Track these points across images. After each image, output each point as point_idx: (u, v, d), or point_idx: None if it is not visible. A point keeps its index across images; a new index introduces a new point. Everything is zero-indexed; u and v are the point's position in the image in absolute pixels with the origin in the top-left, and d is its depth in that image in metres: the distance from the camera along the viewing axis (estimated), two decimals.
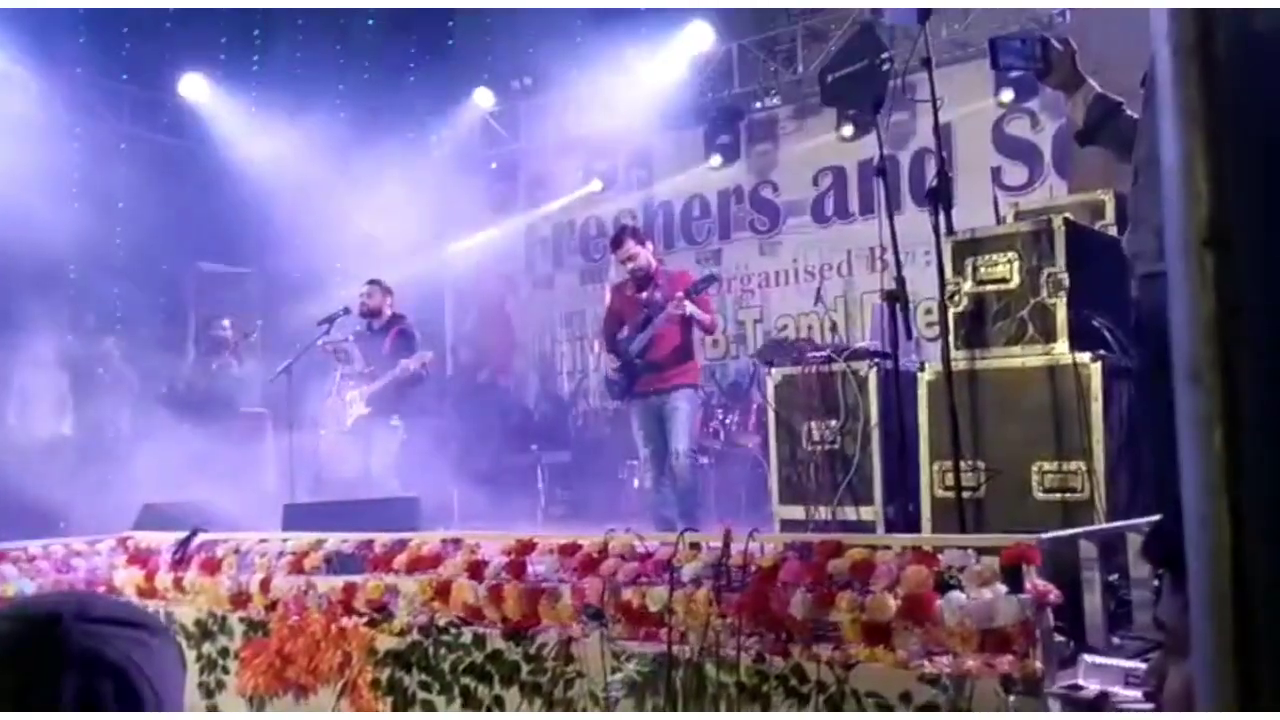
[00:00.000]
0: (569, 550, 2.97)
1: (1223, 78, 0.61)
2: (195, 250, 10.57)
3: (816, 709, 2.38)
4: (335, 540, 3.55)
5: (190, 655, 3.59)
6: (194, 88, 10.45)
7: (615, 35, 9.88)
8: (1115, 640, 2.60)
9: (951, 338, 3.95)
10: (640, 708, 2.63)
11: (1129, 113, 2.97)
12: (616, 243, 6.27)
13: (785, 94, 10.38)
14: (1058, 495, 3.84)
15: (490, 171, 12.25)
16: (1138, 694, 2.22)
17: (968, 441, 3.87)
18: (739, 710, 2.49)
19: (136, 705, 0.99)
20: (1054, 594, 2.28)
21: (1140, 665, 2.32)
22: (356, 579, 3.33)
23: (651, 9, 9.86)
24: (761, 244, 10.46)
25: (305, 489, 7.32)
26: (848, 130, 9.42)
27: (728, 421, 8.54)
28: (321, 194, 10.00)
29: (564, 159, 11.49)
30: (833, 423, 4.84)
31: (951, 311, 3.99)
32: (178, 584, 3.77)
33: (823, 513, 4.80)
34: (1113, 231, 4.39)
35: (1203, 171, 0.61)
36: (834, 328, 8.55)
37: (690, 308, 5.89)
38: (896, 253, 4.05)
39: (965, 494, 3.74)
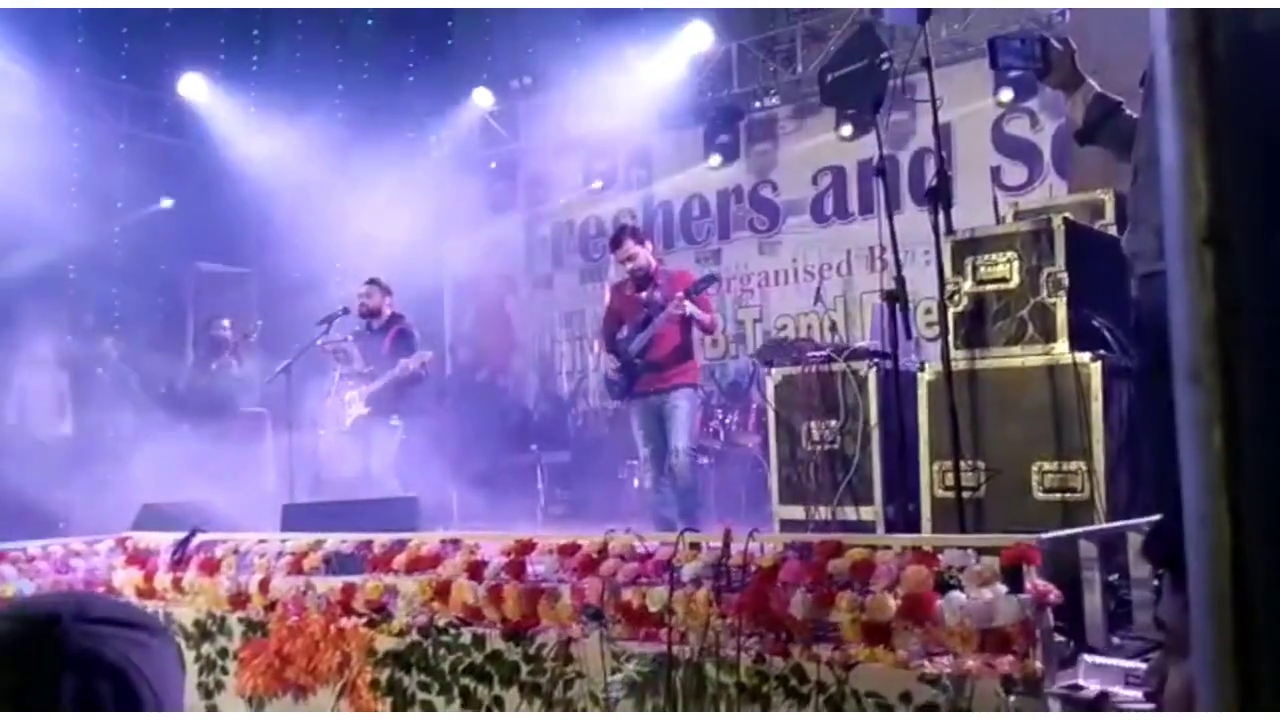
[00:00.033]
0: (568, 550, 2.97)
1: (1222, 77, 0.61)
2: (194, 250, 10.57)
3: (816, 709, 2.38)
4: (334, 541, 3.55)
5: (189, 656, 3.59)
6: (193, 87, 10.45)
7: (614, 35, 9.88)
8: (1115, 640, 2.60)
9: (951, 337, 3.94)
10: (640, 708, 2.63)
11: (1129, 112, 2.97)
12: (616, 242, 6.26)
13: (785, 94, 10.38)
14: (1058, 495, 3.83)
15: (489, 171, 12.24)
16: (1138, 694, 2.22)
17: (968, 441, 3.87)
18: (739, 710, 2.49)
19: (135, 706, 0.99)
20: (1054, 594, 2.28)
21: (1140, 665, 2.32)
22: (356, 579, 3.33)
23: (651, 9, 9.86)
24: (761, 244, 10.45)
25: (304, 489, 7.31)
26: (847, 130, 9.42)
27: (727, 421, 8.54)
28: (321, 194, 10.00)
29: (563, 159, 11.49)
30: (832, 423, 4.84)
31: (951, 311, 3.99)
32: (177, 584, 3.77)
33: (823, 513, 4.80)
34: (1112, 231, 4.39)
35: (1202, 171, 0.61)
36: (833, 327, 8.55)
37: (690, 307, 5.89)
38: (896, 252, 4.05)
39: (965, 494, 3.73)
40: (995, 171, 8.91)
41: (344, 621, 3.27)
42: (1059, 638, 2.30)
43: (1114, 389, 3.81)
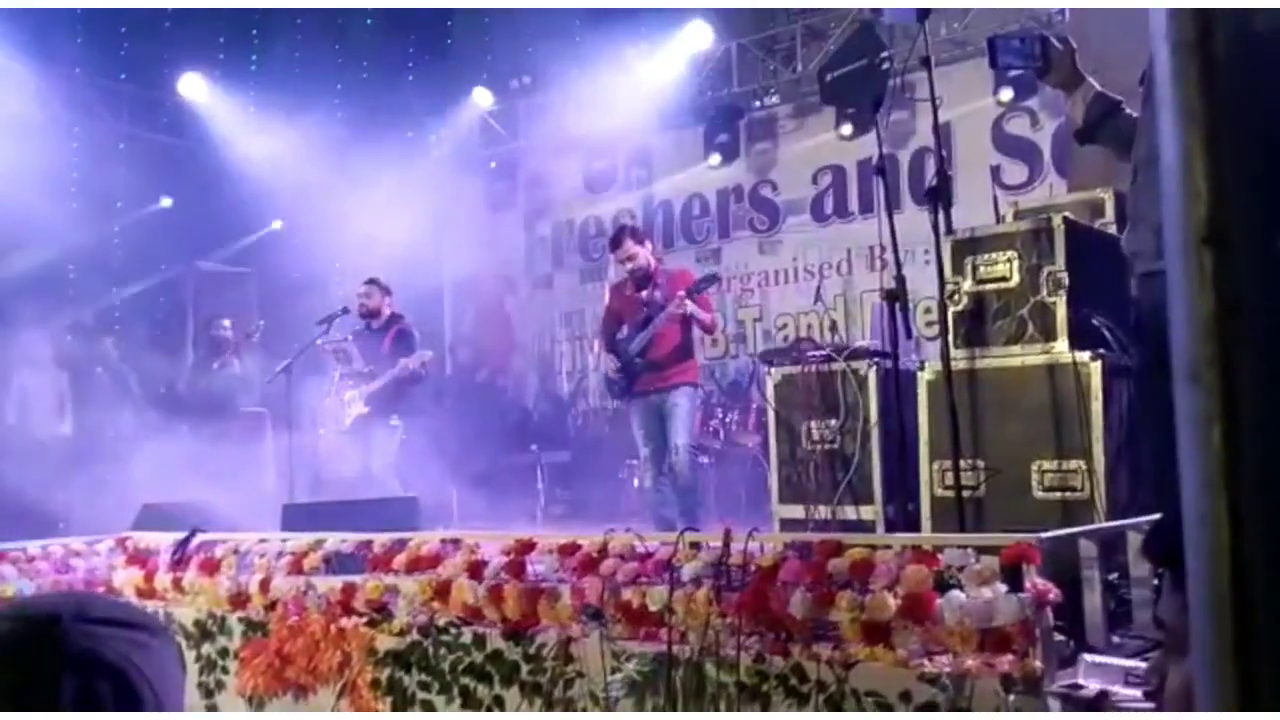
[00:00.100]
0: (568, 550, 2.97)
1: (1222, 76, 0.61)
2: (194, 250, 10.57)
3: (816, 709, 2.38)
4: (334, 540, 3.55)
5: (190, 655, 3.59)
6: (192, 87, 10.45)
7: (614, 34, 9.88)
8: (1115, 639, 2.60)
9: (951, 337, 3.94)
10: (640, 707, 2.63)
11: (1128, 111, 2.97)
12: (615, 242, 6.26)
13: (784, 93, 10.38)
14: (1057, 494, 3.83)
15: (489, 171, 12.25)
16: (1138, 693, 2.22)
17: (967, 441, 3.87)
18: (739, 710, 2.49)
19: (135, 706, 0.99)
20: (1054, 593, 2.28)
21: (1140, 664, 2.32)
22: (356, 579, 3.33)
23: (650, 8, 9.86)
24: (761, 243, 10.46)
25: (304, 489, 7.32)
26: (847, 129, 9.41)
27: (727, 421, 8.54)
28: (320, 194, 10.00)
29: (563, 158, 11.49)
30: (832, 422, 4.84)
31: (951, 310, 3.99)
32: (177, 584, 3.77)
33: (822, 512, 4.80)
34: (1112, 230, 4.39)
35: (1202, 170, 0.61)
36: (833, 327, 8.55)
37: (691, 307, 5.89)
38: (896, 252, 4.04)
39: (965, 493, 3.73)
40: (995, 170, 8.91)
41: (344, 621, 3.27)
42: (1059, 637, 2.30)
43: (1114, 388, 3.81)
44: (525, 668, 2.87)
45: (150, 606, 3.62)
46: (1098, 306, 3.92)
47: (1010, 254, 3.98)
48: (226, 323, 8.88)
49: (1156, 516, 2.55)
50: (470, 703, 2.96)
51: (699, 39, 10.12)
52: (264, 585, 3.51)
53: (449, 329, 12.51)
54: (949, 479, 3.90)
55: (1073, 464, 3.80)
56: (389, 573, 3.26)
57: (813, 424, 4.90)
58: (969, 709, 2.19)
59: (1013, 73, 7.50)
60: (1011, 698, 2.16)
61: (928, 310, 7.76)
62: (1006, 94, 8.73)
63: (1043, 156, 8.86)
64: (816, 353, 5.03)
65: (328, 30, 10.77)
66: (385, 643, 3.16)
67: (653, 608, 2.67)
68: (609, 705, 2.68)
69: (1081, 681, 2.28)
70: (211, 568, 3.71)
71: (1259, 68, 0.61)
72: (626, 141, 10.99)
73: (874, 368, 4.75)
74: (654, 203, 11.18)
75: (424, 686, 3.06)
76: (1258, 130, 0.61)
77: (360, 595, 3.28)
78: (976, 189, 7.91)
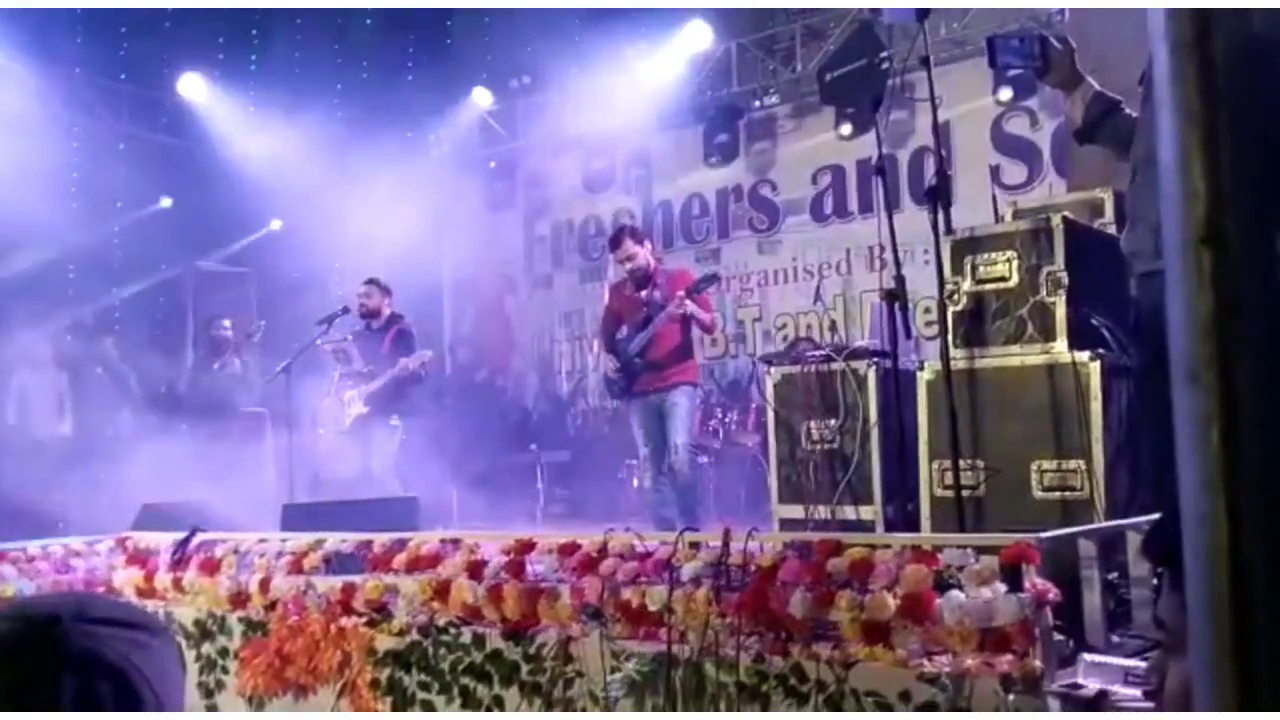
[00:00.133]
0: (568, 550, 2.97)
1: (1220, 77, 0.61)
2: (194, 250, 10.57)
3: (816, 708, 2.38)
4: (334, 540, 3.55)
5: (190, 655, 3.59)
6: (192, 87, 10.44)
7: (614, 34, 9.88)
8: (1115, 639, 2.60)
9: (950, 336, 3.94)
10: (640, 707, 2.63)
11: (1128, 111, 2.97)
12: (615, 242, 6.26)
13: (784, 93, 10.38)
14: (1057, 494, 3.84)
15: (489, 170, 12.24)
16: (1137, 692, 2.22)
17: (967, 440, 3.87)
18: (739, 710, 2.49)
19: (136, 706, 0.99)
20: (1053, 593, 2.28)
21: (1139, 664, 2.32)
22: (356, 579, 3.33)
23: (650, 8, 9.86)
24: (760, 243, 10.46)
25: (304, 489, 7.32)
26: (846, 129, 9.41)
27: (727, 420, 8.54)
28: (320, 193, 10.00)
29: (562, 158, 11.49)
30: (832, 422, 4.84)
31: (950, 310, 3.99)
32: (177, 584, 3.77)
33: (822, 512, 4.80)
34: (1112, 230, 4.39)
35: (1200, 170, 0.61)
36: (833, 326, 8.55)
37: (691, 306, 5.89)
38: (895, 251, 4.04)
39: (964, 493, 3.73)
40: (994, 170, 8.91)
41: (344, 621, 3.27)
42: (1058, 636, 2.30)
43: (1113, 388, 3.82)
44: (525, 667, 2.87)
45: (150, 606, 3.62)
46: (1097, 306, 3.92)
47: (1009, 254, 3.98)
48: (227, 323, 8.88)
49: (1156, 516, 2.56)
50: (470, 703, 2.96)
51: (698, 39, 10.12)
52: (264, 585, 3.51)
53: (448, 329, 12.51)
54: (948, 479, 3.90)
55: (1072, 464, 3.80)
56: (389, 573, 3.26)
57: (812, 424, 4.90)
58: (968, 709, 2.19)
59: (1012, 72, 7.49)
60: (1011, 697, 2.16)
61: (927, 310, 7.76)
62: (1006, 94, 8.73)
63: (1042, 156, 8.86)
64: (816, 352, 5.03)
65: (327, 30, 10.77)
66: (385, 643, 3.16)
67: (652, 607, 2.67)
68: (609, 705, 2.68)
69: (1081, 681, 2.28)
70: (211, 567, 3.71)
71: (1257, 68, 0.61)
72: (626, 141, 10.99)
73: (873, 367, 4.75)
74: (653, 202, 11.18)
75: (424, 686, 3.06)
76: (1256, 130, 0.61)
77: (360, 595, 3.28)
78: (976, 189, 7.91)
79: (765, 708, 2.46)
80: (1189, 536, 0.61)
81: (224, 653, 3.58)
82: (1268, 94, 0.61)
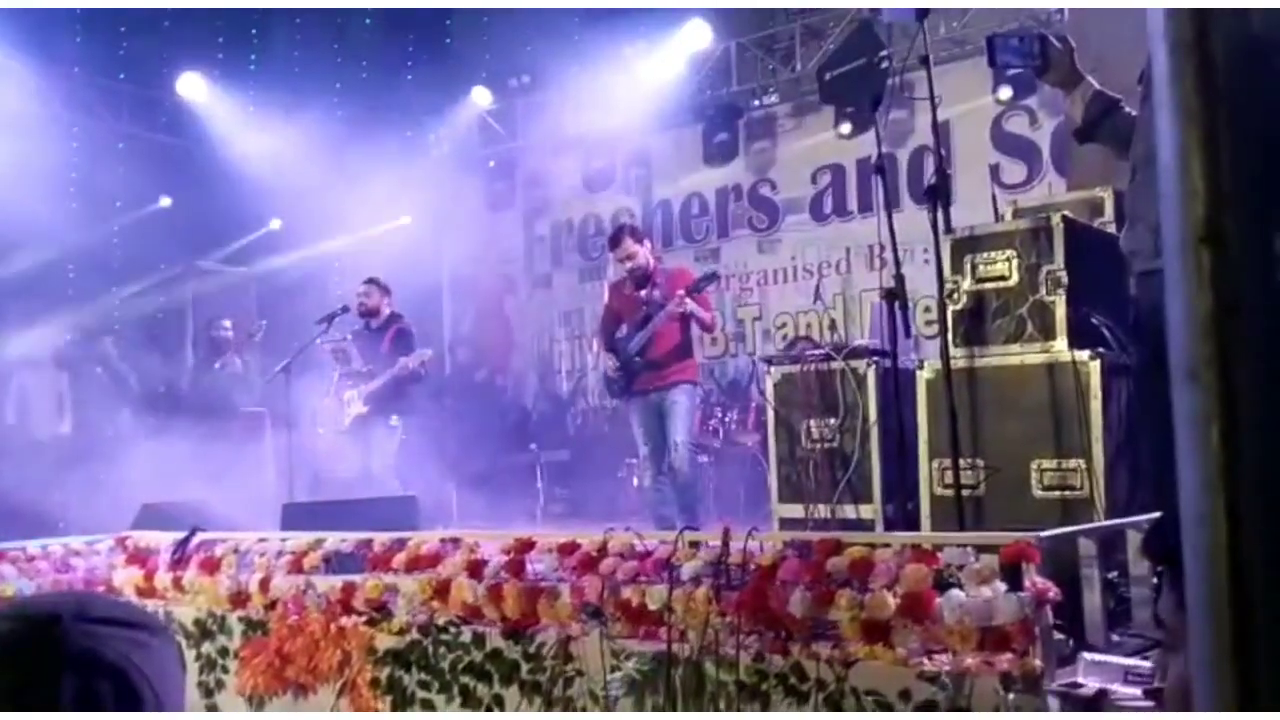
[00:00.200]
0: (568, 549, 2.97)
1: (1219, 76, 0.61)
2: (194, 250, 10.57)
3: (816, 707, 2.38)
4: (334, 540, 3.55)
5: (190, 655, 3.59)
6: (192, 86, 10.44)
7: (613, 33, 9.88)
8: (1114, 638, 2.60)
9: (950, 335, 3.94)
10: (640, 706, 2.64)
11: (1127, 110, 2.97)
12: (615, 241, 6.26)
13: (783, 92, 10.38)
14: (1057, 493, 3.84)
15: (488, 170, 12.24)
16: (1137, 691, 2.22)
17: (967, 439, 3.87)
18: (739, 709, 2.49)
19: (136, 705, 0.99)
20: (1053, 592, 2.28)
21: (1139, 663, 2.32)
22: (355, 578, 3.34)
23: (649, 8, 9.85)
24: (760, 242, 10.46)
25: (304, 488, 7.32)
26: (846, 128, 9.41)
27: (727, 420, 8.54)
28: (320, 193, 9.99)
29: (562, 157, 11.49)
30: (832, 421, 4.84)
31: (950, 309, 3.99)
32: (177, 584, 3.77)
33: (822, 511, 4.80)
34: (1111, 229, 4.39)
35: (1199, 169, 0.61)
36: (833, 326, 8.55)
37: (690, 305, 5.89)
38: (895, 250, 4.04)
39: (964, 492, 3.74)
40: (994, 169, 8.91)
41: (344, 620, 3.28)
42: (1058, 635, 2.30)
43: (1113, 387, 3.82)
44: (525, 666, 2.87)
45: (150, 606, 3.63)
46: (1097, 305, 3.92)
47: (1009, 253, 3.98)
48: (227, 323, 8.87)
49: (1155, 515, 2.56)
50: (470, 702, 2.96)
51: (698, 38, 10.11)
52: (264, 584, 3.51)
53: (448, 328, 12.51)
54: (948, 478, 3.90)
55: (1072, 463, 3.80)
56: (389, 572, 3.26)
57: (812, 423, 4.90)
58: (968, 708, 2.19)
59: (1011, 71, 7.49)
60: (1011, 696, 2.16)
61: (927, 309, 7.76)
62: (1005, 93, 8.73)
63: (1042, 155, 8.86)
64: (815, 352, 5.03)
65: (327, 29, 10.76)
66: (385, 642, 3.16)
67: (652, 606, 2.67)
68: (608, 704, 2.68)
69: (1081, 680, 2.29)
70: (211, 567, 3.71)
71: (1256, 68, 0.61)
72: (625, 140, 10.99)
73: (873, 366, 4.75)
74: (653, 202, 11.18)
75: (424, 685, 3.06)
76: (1255, 130, 0.61)
77: (360, 594, 3.28)
78: (975, 188, 7.91)
79: (765, 707, 2.46)
80: (1189, 536, 0.61)
81: (224, 652, 3.58)
82: (1267, 94, 0.61)
